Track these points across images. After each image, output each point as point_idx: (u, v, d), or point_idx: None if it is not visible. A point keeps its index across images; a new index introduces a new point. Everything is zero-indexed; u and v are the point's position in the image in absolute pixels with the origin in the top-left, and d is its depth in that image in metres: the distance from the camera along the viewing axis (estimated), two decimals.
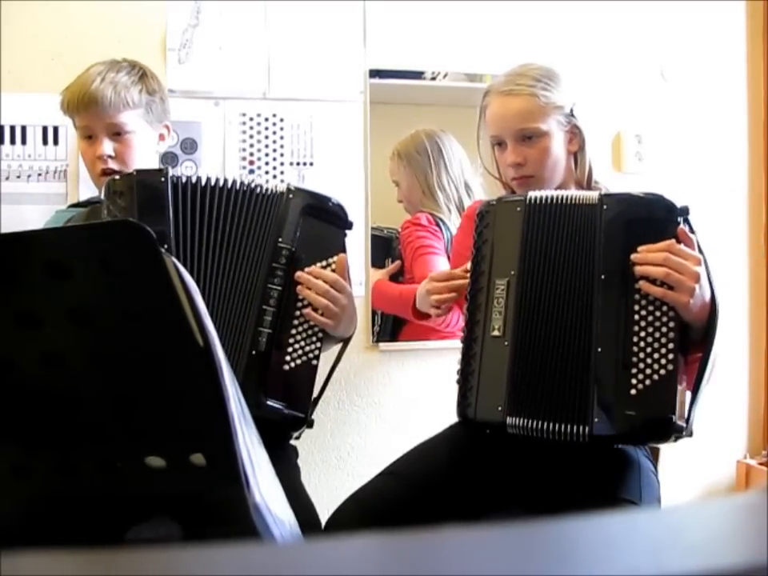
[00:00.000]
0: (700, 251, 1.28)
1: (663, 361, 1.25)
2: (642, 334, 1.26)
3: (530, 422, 1.31)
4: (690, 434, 1.30)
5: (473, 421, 1.38)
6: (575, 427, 1.29)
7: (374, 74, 2.08)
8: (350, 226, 1.47)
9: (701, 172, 2.31)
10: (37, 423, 0.68)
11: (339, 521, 1.35)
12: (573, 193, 1.38)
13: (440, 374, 1.91)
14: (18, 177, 1.90)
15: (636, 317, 1.27)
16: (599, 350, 1.28)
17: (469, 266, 1.42)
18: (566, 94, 1.52)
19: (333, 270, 1.43)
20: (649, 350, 1.26)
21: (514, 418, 1.32)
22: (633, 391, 1.26)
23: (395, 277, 2.10)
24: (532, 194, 1.38)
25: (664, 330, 1.26)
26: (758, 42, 2.37)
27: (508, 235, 1.38)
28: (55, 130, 1.90)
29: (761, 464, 2.31)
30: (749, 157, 2.37)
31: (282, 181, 2.01)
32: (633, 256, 1.26)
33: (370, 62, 2.08)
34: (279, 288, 1.41)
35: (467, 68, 2.14)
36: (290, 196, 1.44)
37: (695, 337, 1.29)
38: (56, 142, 1.91)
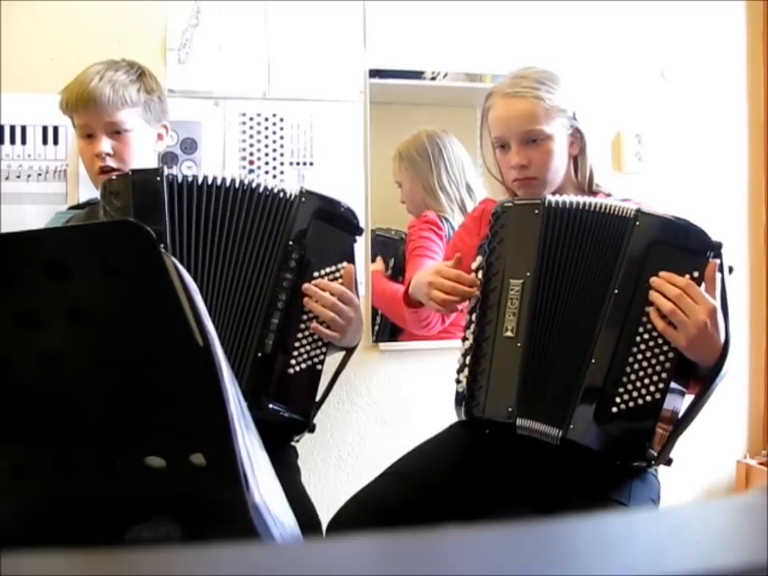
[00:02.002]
0: (723, 293, 1.25)
1: (652, 388, 1.25)
2: (639, 356, 1.26)
3: (539, 425, 1.31)
4: (668, 463, 1.30)
5: (480, 420, 1.37)
6: (551, 429, 1.29)
7: (374, 73, 2.08)
8: (360, 231, 1.47)
9: (701, 172, 2.31)
10: (37, 423, 0.68)
11: (342, 522, 1.35)
12: (607, 201, 1.36)
13: (440, 374, 1.91)
14: (18, 177, 1.89)
15: (638, 338, 1.26)
16: (593, 360, 1.28)
17: (477, 272, 1.41)
18: (569, 98, 1.52)
19: (340, 278, 1.42)
20: (641, 373, 1.25)
21: (524, 420, 1.32)
22: (614, 409, 1.26)
23: (396, 276, 2.10)
24: (550, 197, 1.38)
25: (662, 358, 1.25)
26: (758, 43, 2.37)
27: (525, 236, 1.37)
28: (55, 129, 1.90)
29: (761, 464, 2.30)
30: (749, 157, 2.37)
31: (282, 180, 2.01)
32: (652, 279, 1.25)
33: (370, 62, 2.07)
34: (288, 291, 1.41)
35: (467, 68, 2.14)
36: (303, 199, 1.43)
37: (700, 373, 1.29)
38: (56, 141, 1.91)
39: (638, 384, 1.25)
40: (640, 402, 1.25)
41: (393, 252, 2.12)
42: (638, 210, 1.31)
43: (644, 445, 1.26)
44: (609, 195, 1.55)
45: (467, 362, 1.40)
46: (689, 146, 2.30)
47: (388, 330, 2.10)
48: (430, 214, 2.05)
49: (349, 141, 2.07)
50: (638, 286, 1.27)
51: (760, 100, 2.36)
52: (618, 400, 1.26)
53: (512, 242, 1.39)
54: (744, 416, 2.37)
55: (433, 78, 2.12)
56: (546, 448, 1.32)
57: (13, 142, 1.89)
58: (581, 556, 0.32)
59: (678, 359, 1.25)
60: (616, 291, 1.29)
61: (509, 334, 1.35)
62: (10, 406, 0.67)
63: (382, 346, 2.09)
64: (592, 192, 1.56)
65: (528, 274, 1.35)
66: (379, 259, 2.10)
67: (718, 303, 1.23)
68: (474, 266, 1.42)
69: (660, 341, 1.25)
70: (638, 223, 1.29)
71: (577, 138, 1.54)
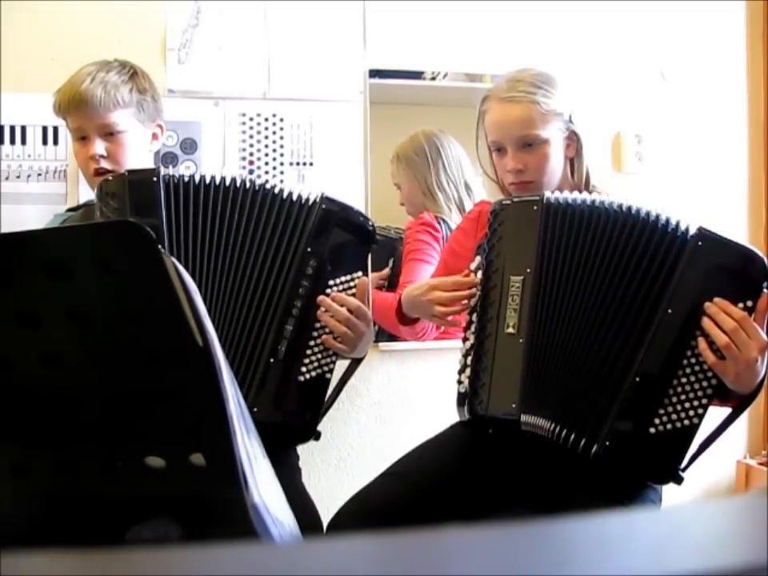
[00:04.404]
0: None
1: (692, 412, 1.25)
2: (684, 380, 1.25)
3: (543, 421, 1.31)
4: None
5: (483, 417, 1.36)
6: (583, 440, 1.28)
7: (374, 73, 2.08)
8: (376, 241, 1.47)
9: (701, 172, 2.31)
10: (36, 423, 0.68)
11: (342, 521, 1.34)
12: (658, 212, 1.32)
13: (440, 374, 1.91)
14: (18, 177, 1.90)
15: (685, 362, 1.25)
16: (637, 379, 1.26)
17: (476, 272, 1.41)
18: (565, 101, 1.52)
19: (354, 287, 1.42)
20: (683, 397, 1.25)
21: (528, 416, 1.31)
22: (652, 430, 1.25)
23: (395, 276, 2.10)
24: (549, 194, 1.37)
25: (705, 383, 1.25)
26: (757, 43, 2.37)
27: (524, 233, 1.37)
28: (55, 130, 1.90)
29: (761, 464, 2.30)
30: (749, 157, 2.37)
31: (281, 180, 2.01)
32: (706, 305, 1.23)
33: (370, 62, 2.08)
34: (303, 299, 1.39)
35: (467, 68, 2.14)
36: (323, 206, 1.42)
37: (730, 396, 1.29)
38: (56, 142, 1.91)
39: (679, 407, 1.25)
40: (678, 425, 1.25)
41: (391, 252, 2.12)
42: (701, 230, 1.28)
43: (676, 467, 1.27)
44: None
45: (468, 361, 1.40)
46: (689, 145, 2.30)
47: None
48: (427, 215, 2.05)
49: (349, 141, 2.07)
50: (692, 308, 1.25)
51: (760, 100, 2.36)
52: (657, 421, 1.25)
53: (511, 239, 1.38)
54: (744, 416, 2.36)
55: (433, 78, 2.12)
56: (550, 448, 1.32)
57: (13, 142, 1.89)
58: (581, 556, 0.32)
59: (719, 386, 1.25)
60: (669, 311, 1.26)
61: (510, 330, 1.34)
62: (9, 406, 0.67)
63: (382, 345, 2.09)
64: (588, 192, 1.56)
65: (528, 270, 1.35)
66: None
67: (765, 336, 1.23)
68: (472, 266, 1.42)
69: (705, 366, 1.24)
70: (699, 243, 1.26)
71: (573, 140, 1.54)
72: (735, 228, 2.33)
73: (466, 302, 1.42)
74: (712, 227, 1.29)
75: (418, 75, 2.11)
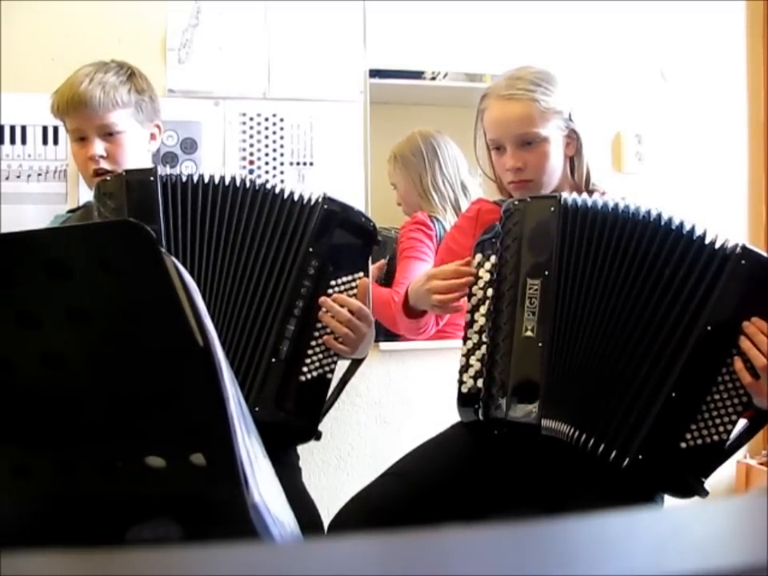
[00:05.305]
0: None
1: (721, 428, 1.25)
2: (717, 396, 1.25)
3: (564, 426, 1.29)
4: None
5: (501, 421, 1.34)
6: (613, 453, 1.27)
7: (374, 73, 2.08)
8: (377, 242, 1.47)
9: (701, 172, 2.31)
10: (37, 423, 0.68)
11: (343, 522, 1.34)
12: (693, 224, 1.30)
13: (440, 374, 1.91)
14: (18, 177, 1.90)
15: (719, 378, 1.25)
16: (673, 394, 1.26)
17: (477, 270, 1.40)
18: (565, 99, 1.51)
19: (355, 287, 1.42)
20: (715, 413, 1.25)
21: (548, 421, 1.30)
22: (683, 444, 1.25)
23: (388, 275, 2.10)
24: (566, 195, 1.36)
25: (736, 400, 1.25)
26: (758, 43, 2.37)
27: (540, 234, 1.35)
28: (55, 129, 1.90)
29: (761, 464, 2.30)
30: (749, 157, 2.37)
31: (281, 180, 2.01)
32: (744, 324, 1.23)
33: (370, 62, 2.08)
34: (305, 299, 1.39)
35: (467, 68, 2.14)
36: (325, 206, 1.42)
37: (748, 408, 1.29)
38: (56, 141, 1.91)
39: (710, 423, 1.25)
40: (708, 440, 1.25)
41: (391, 251, 2.12)
42: (744, 248, 1.27)
43: (702, 482, 1.27)
44: (603, 194, 1.54)
45: (471, 361, 1.39)
46: (689, 145, 2.30)
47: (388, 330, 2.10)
48: (420, 214, 2.05)
49: (349, 141, 2.07)
50: (731, 326, 1.24)
51: (760, 100, 2.36)
52: (688, 436, 1.25)
53: (527, 240, 1.36)
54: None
55: (433, 78, 2.12)
56: (557, 449, 1.31)
57: (13, 142, 1.89)
58: (581, 556, 0.32)
59: (750, 402, 1.26)
60: (708, 328, 1.25)
61: (528, 333, 1.32)
62: (9, 406, 0.67)
63: (382, 345, 2.09)
64: (589, 192, 1.55)
65: (546, 272, 1.33)
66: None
67: None
68: (474, 263, 1.41)
69: (738, 383, 1.25)
70: (743, 261, 1.25)
71: (573, 138, 1.53)
72: (735, 228, 2.34)
73: (462, 282, 1.41)
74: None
75: (417, 75, 2.11)
